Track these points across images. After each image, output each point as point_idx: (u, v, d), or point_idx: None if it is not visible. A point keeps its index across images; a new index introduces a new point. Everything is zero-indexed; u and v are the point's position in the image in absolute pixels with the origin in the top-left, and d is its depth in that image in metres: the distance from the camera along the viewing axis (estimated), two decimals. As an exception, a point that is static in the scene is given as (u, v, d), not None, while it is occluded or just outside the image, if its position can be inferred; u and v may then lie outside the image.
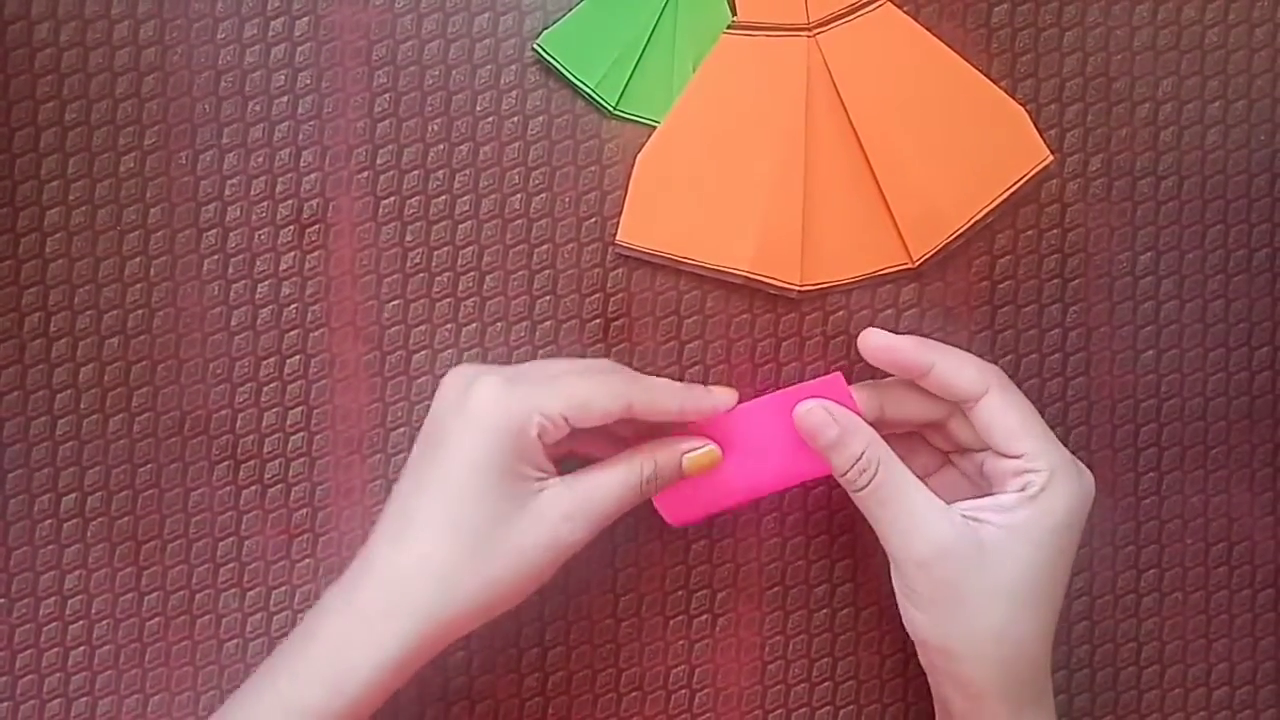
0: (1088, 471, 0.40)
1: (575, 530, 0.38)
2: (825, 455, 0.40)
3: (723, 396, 0.41)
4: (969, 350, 0.45)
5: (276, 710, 0.37)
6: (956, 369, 0.39)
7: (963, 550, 0.38)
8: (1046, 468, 0.38)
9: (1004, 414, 0.39)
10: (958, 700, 0.40)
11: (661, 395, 0.39)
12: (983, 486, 0.41)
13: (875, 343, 0.40)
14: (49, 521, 0.45)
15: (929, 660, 0.40)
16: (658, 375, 0.45)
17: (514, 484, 0.37)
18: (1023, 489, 0.38)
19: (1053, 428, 0.45)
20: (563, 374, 0.39)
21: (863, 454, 0.39)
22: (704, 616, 0.46)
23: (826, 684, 0.46)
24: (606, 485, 0.39)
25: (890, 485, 0.39)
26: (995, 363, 0.45)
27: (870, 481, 0.39)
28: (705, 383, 0.45)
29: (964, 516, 0.39)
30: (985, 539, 0.38)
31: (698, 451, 0.40)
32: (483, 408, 0.37)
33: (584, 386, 0.38)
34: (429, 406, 0.44)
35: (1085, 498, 0.39)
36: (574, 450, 0.41)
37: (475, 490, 0.37)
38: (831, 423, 0.40)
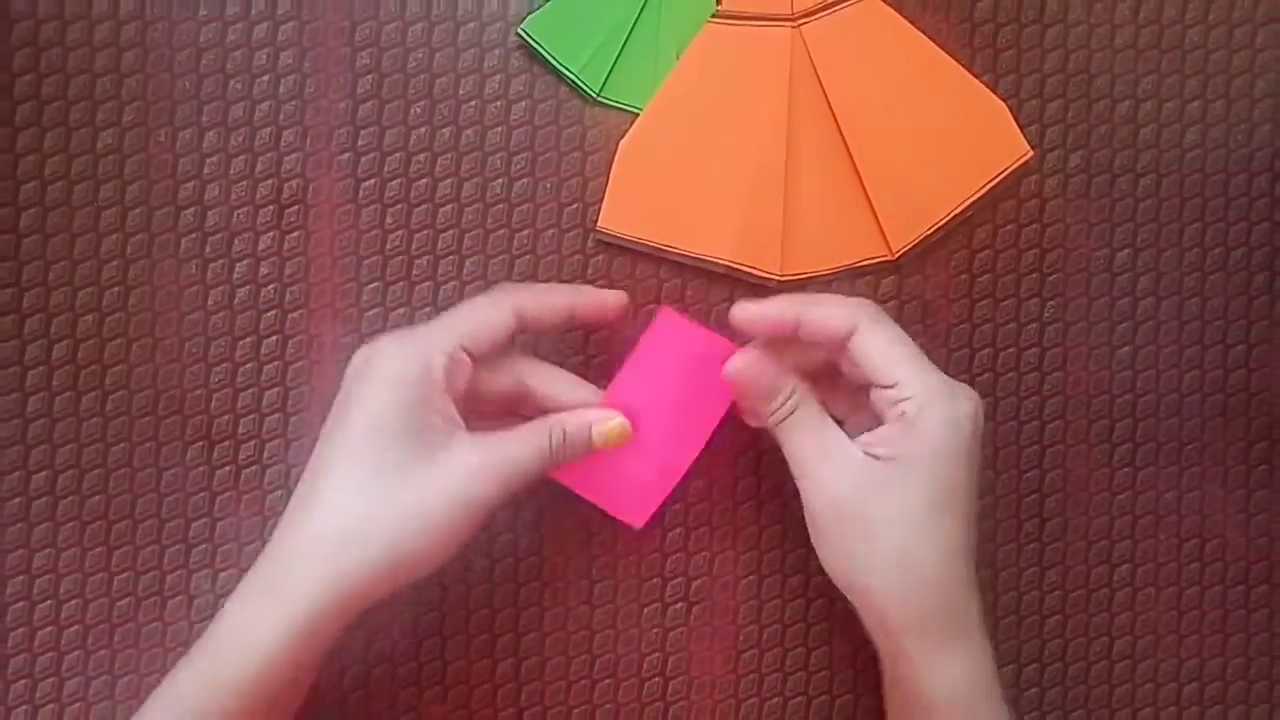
0: (967, 393, 0.39)
1: (485, 484, 0.38)
2: (755, 406, 0.40)
3: (613, 297, 0.41)
4: (946, 342, 0.46)
5: (195, 685, 0.37)
6: (823, 315, 0.39)
7: (862, 483, 0.38)
8: (917, 394, 0.38)
9: (874, 347, 0.39)
10: (880, 640, 0.40)
11: (549, 297, 0.40)
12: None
13: (745, 315, 0.40)
14: (18, 499, 0.44)
15: (852, 603, 0.40)
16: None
17: (420, 436, 0.37)
18: (901, 417, 0.38)
19: (1028, 422, 0.46)
20: (451, 312, 0.39)
21: (790, 397, 0.40)
22: (679, 604, 0.45)
23: (800, 674, 0.46)
24: (516, 444, 0.39)
25: (803, 422, 0.40)
26: (973, 355, 0.46)
27: (787, 417, 0.40)
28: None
29: (864, 452, 0.39)
30: (877, 471, 0.38)
31: (609, 424, 0.40)
32: (382, 363, 0.38)
33: (471, 312, 0.39)
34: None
35: (959, 420, 0.38)
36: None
37: (379, 446, 0.37)
38: (762, 374, 0.40)
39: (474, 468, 0.37)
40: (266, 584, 0.37)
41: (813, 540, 0.40)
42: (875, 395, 0.39)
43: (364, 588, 0.37)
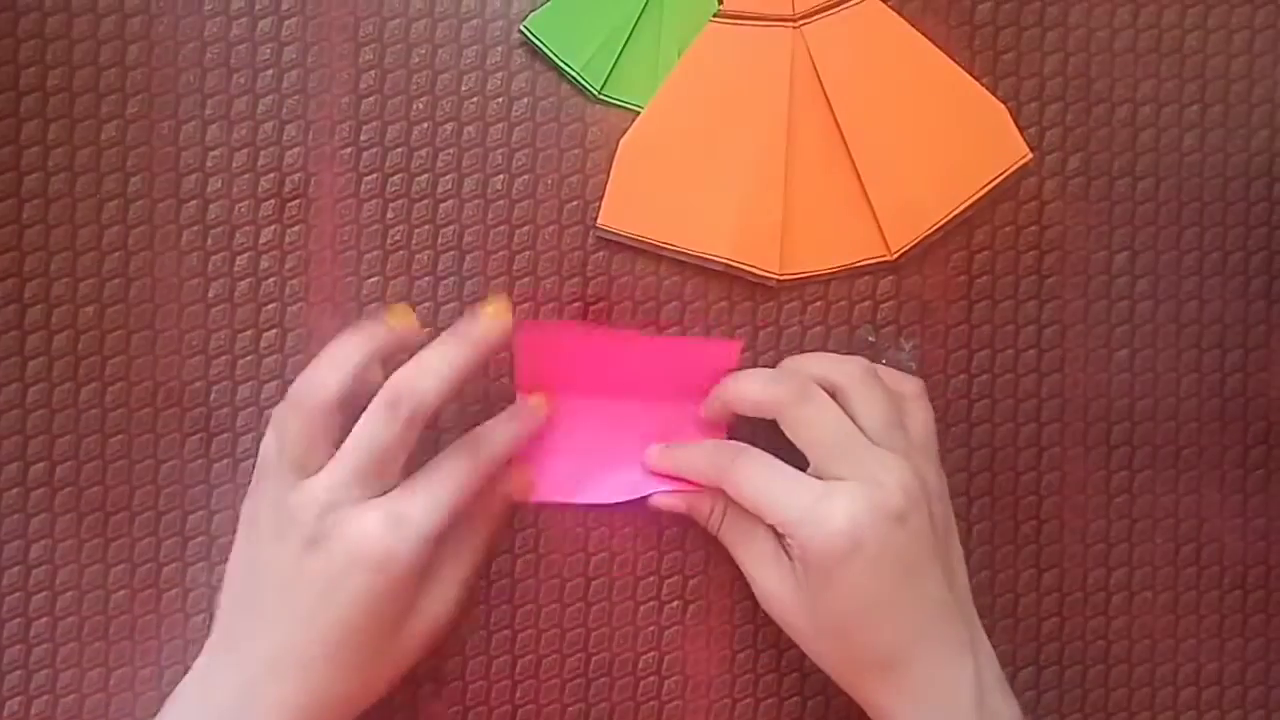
0: (842, 499, 0.38)
1: (462, 602, 0.41)
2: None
3: (539, 409, 0.44)
4: (944, 343, 0.46)
5: None
6: (695, 474, 0.43)
7: (780, 596, 0.40)
8: (789, 530, 0.39)
9: (747, 493, 0.40)
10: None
11: (501, 441, 0.42)
12: None
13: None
14: (16, 490, 0.44)
15: None
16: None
17: (401, 610, 0.39)
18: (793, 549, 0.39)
19: (1025, 424, 0.46)
20: (423, 483, 0.39)
21: (712, 513, 0.43)
22: (675, 603, 0.45)
23: (795, 674, 0.46)
24: (464, 571, 0.41)
25: (733, 528, 0.42)
26: (970, 357, 0.46)
27: (719, 527, 0.43)
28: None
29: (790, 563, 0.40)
30: (792, 586, 0.40)
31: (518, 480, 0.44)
32: (384, 564, 0.37)
33: (454, 492, 0.39)
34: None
35: (834, 537, 0.37)
36: None
37: (368, 634, 0.38)
38: (679, 504, 0.44)
39: (456, 601, 0.41)
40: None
41: None
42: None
43: None
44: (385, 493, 0.38)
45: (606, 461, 0.44)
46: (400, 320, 0.40)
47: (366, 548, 0.37)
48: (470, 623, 0.45)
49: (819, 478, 0.39)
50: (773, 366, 0.45)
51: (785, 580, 0.40)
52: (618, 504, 0.44)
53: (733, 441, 0.42)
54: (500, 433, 0.42)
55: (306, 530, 0.37)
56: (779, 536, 0.40)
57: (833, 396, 0.40)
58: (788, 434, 0.40)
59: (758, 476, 0.40)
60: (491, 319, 0.40)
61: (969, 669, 0.38)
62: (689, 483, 0.43)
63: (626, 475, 0.44)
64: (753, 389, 0.41)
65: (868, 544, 0.37)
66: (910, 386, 0.42)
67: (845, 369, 0.41)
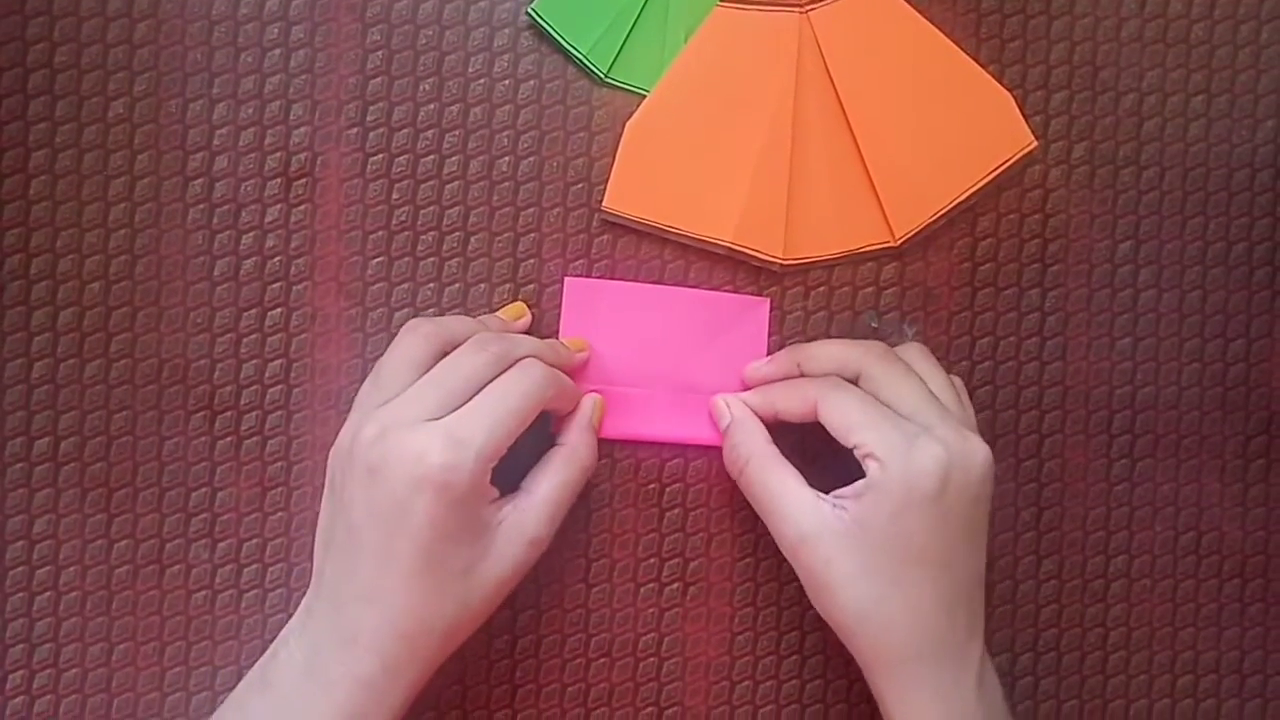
0: (932, 446, 0.38)
1: (541, 544, 0.40)
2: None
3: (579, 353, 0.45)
4: (947, 330, 0.46)
5: None
6: (785, 406, 0.43)
7: (824, 536, 0.39)
8: (879, 455, 0.39)
9: (834, 415, 0.40)
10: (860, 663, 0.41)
11: (566, 352, 0.43)
12: None
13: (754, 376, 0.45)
14: (20, 465, 0.44)
15: None
16: (638, 343, 0.45)
17: (476, 529, 0.38)
18: (865, 476, 0.39)
19: (1026, 411, 0.46)
20: (483, 399, 0.39)
21: (736, 445, 0.43)
22: (675, 585, 0.46)
23: (794, 657, 0.46)
24: (554, 491, 0.40)
25: (760, 475, 0.41)
26: (973, 344, 0.46)
27: (741, 471, 0.42)
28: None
29: (834, 504, 0.40)
30: (843, 525, 0.39)
31: (596, 406, 0.44)
32: (446, 480, 0.37)
33: (512, 403, 0.39)
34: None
35: (917, 476, 0.38)
36: None
37: (445, 554, 0.38)
38: (725, 411, 0.44)
39: (531, 539, 0.39)
40: (323, 668, 0.38)
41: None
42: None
43: (425, 674, 0.39)
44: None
45: (645, 403, 0.45)
46: (513, 314, 0.44)
47: (424, 470, 0.37)
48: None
49: None
50: (775, 350, 0.45)
51: (827, 521, 0.39)
52: (641, 440, 0.45)
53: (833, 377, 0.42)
54: (559, 357, 0.43)
55: (367, 459, 0.37)
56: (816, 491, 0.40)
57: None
58: (824, 423, 0.40)
59: (857, 404, 0.40)
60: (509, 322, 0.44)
61: (977, 651, 0.39)
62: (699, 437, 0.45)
63: (664, 417, 0.45)
64: (793, 399, 0.42)
65: (949, 492, 0.38)
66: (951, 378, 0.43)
67: (825, 383, 0.42)
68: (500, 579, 0.39)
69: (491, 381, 0.39)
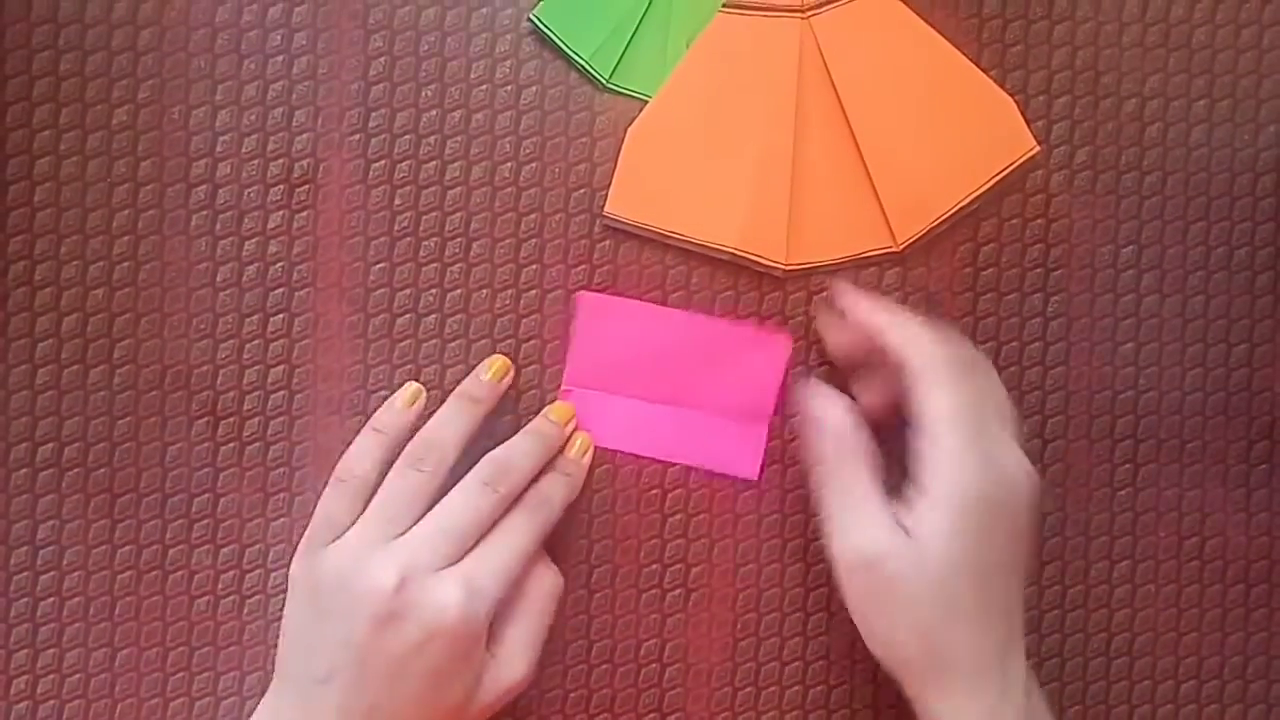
0: (997, 467, 0.38)
1: (534, 660, 0.41)
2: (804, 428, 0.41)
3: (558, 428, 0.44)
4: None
5: None
6: (898, 346, 0.40)
7: (888, 560, 0.38)
8: (938, 465, 0.38)
9: (924, 406, 0.38)
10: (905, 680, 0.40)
11: (553, 511, 0.43)
12: None
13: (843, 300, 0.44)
14: (24, 471, 0.45)
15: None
16: (640, 348, 0.45)
17: (478, 662, 0.40)
18: (920, 482, 0.38)
19: (1030, 416, 0.46)
20: (497, 544, 0.40)
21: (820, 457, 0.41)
22: (677, 591, 0.46)
23: (797, 663, 0.46)
24: (534, 636, 0.41)
25: (837, 480, 0.40)
26: (976, 348, 0.46)
27: (812, 468, 0.41)
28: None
29: (896, 523, 0.38)
30: (900, 544, 0.38)
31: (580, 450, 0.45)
32: (462, 626, 0.38)
33: (519, 548, 0.40)
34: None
35: (971, 500, 0.37)
36: None
37: (451, 697, 0.39)
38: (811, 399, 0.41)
39: (523, 663, 0.41)
40: None
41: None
42: (912, 437, 0.39)
43: None
44: (400, 535, 0.40)
45: (656, 423, 0.45)
46: (499, 373, 0.44)
47: (448, 620, 0.38)
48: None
49: None
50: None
51: (889, 531, 0.38)
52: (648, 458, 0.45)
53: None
54: (556, 492, 0.43)
55: (388, 606, 0.38)
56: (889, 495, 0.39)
57: None
58: (908, 398, 0.39)
59: (940, 408, 0.38)
60: (493, 381, 0.44)
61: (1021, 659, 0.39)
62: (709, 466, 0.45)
63: (661, 437, 0.45)
64: (904, 343, 0.40)
65: (1027, 501, 0.39)
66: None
67: (942, 359, 0.40)
68: (493, 705, 0.41)
69: (500, 521, 0.41)
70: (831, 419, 0.40)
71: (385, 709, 0.39)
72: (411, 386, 0.44)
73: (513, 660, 0.41)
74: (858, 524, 0.39)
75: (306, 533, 0.41)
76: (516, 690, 0.41)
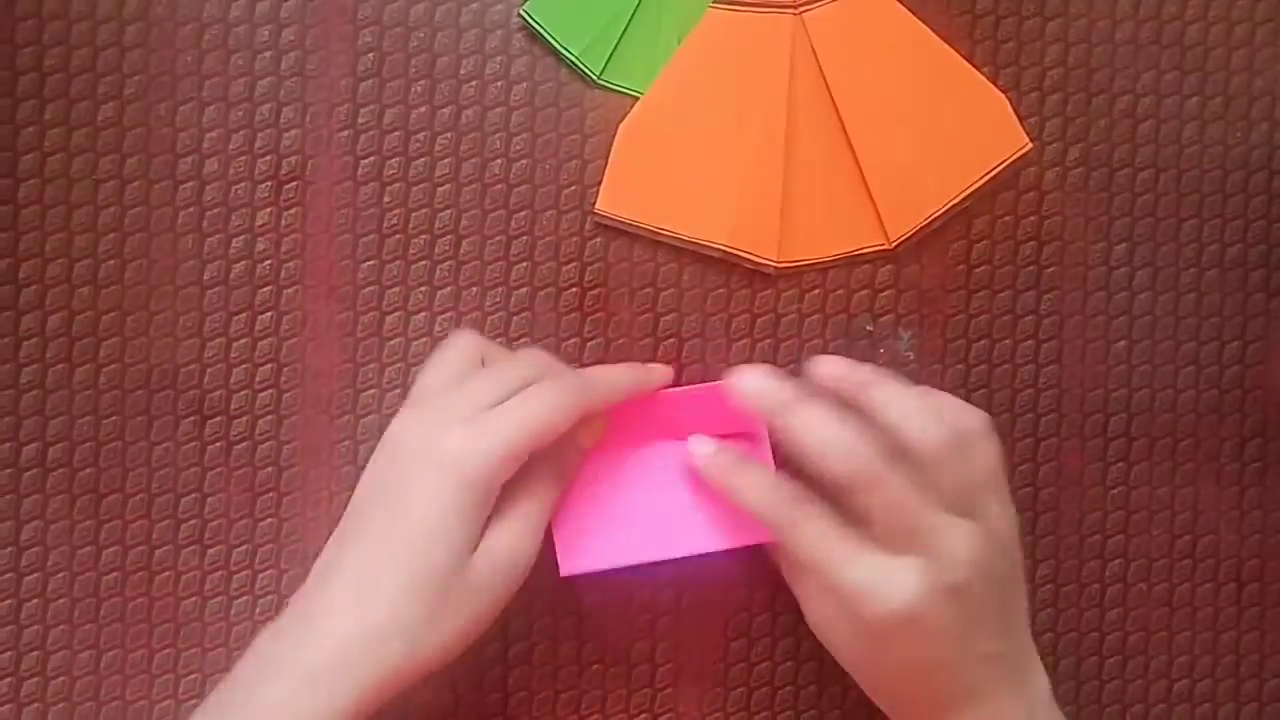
0: (914, 569, 0.37)
1: (528, 566, 0.39)
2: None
3: (659, 372, 0.43)
4: (943, 333, 0.46)
5: None
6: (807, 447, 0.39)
7: (841, 637, 0.40)
8: (852, 589, 0.38)
9: (810, 554, 0.39)
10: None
11: (608, 384, 0.41)
12: None
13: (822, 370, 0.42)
14: (8, 471, 0.44)
15: None
16: (633, 347, 0.45)
17: (473, 527, 0.37)
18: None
19: (1022, 415, 0.46)
20: (512, 402, 0.38)
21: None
22: (669, 591, 0.45)
23: (789, 663, 0.46)
24: (540, 505, 0.39)
25: (795, 571, 0.42)
26: (968, 347, 0.46)
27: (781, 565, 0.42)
28: (680, 355, 0.45)
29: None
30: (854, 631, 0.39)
31: (592, 426, 0.41)
32: (458, 463, 0.37)
33: (540, 412, 0.38)
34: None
35: (896, 609, 0.37)
36: None
37: (442, 547, 0.37)
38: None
39: (523, 556, 0.38)
40: (313, 674, 0.36)
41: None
42: None
43: (416, 676, 0.37)
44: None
45: (644, 518, 0.43)
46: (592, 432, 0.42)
47: (439, 455, 0.37)
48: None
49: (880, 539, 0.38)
50: (770, 357, 0.45)
51: (840, 627, 0.40)
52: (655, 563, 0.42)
53: (793, 485, 0.40)
54: (607, 378, 0.41)
55: (389, 449, 0.38)
56: None
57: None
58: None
59: (818, 539, 0.38)
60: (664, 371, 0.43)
61: (1021, 707, 0.39)
62: (734, 532, 0.43)
63: (665, 532, 0.43)
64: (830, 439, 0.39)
65: (926, 619, 0.37)
66: (974, 422, 0.40)
67: (923, 430, 0.39)
68: (488, 591, 0.38)
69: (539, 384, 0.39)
70: (752, 484, 0.40)
71: (379, 557, 0.37)
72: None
73: (504, 534, 0.38)
74: (816, 609, 0.41)
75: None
76: (511, 575, 0.38)
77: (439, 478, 0.37)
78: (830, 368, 0.41)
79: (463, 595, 0.37)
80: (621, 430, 0.42)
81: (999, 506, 0.39)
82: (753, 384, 0.40)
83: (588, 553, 0.42)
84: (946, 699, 0.38)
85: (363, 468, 0.40)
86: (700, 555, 0.43)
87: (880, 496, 0.37)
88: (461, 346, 0.41)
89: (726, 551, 0.43)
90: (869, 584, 0.37)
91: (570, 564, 0.42)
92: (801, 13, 0.45)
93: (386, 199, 0.45)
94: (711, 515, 0.42)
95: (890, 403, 0.39)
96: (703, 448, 0.42)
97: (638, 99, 0.45)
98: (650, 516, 0.42)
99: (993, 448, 0.40)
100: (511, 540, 0.38)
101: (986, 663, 0.38)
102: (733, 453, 0.42)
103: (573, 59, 0.45)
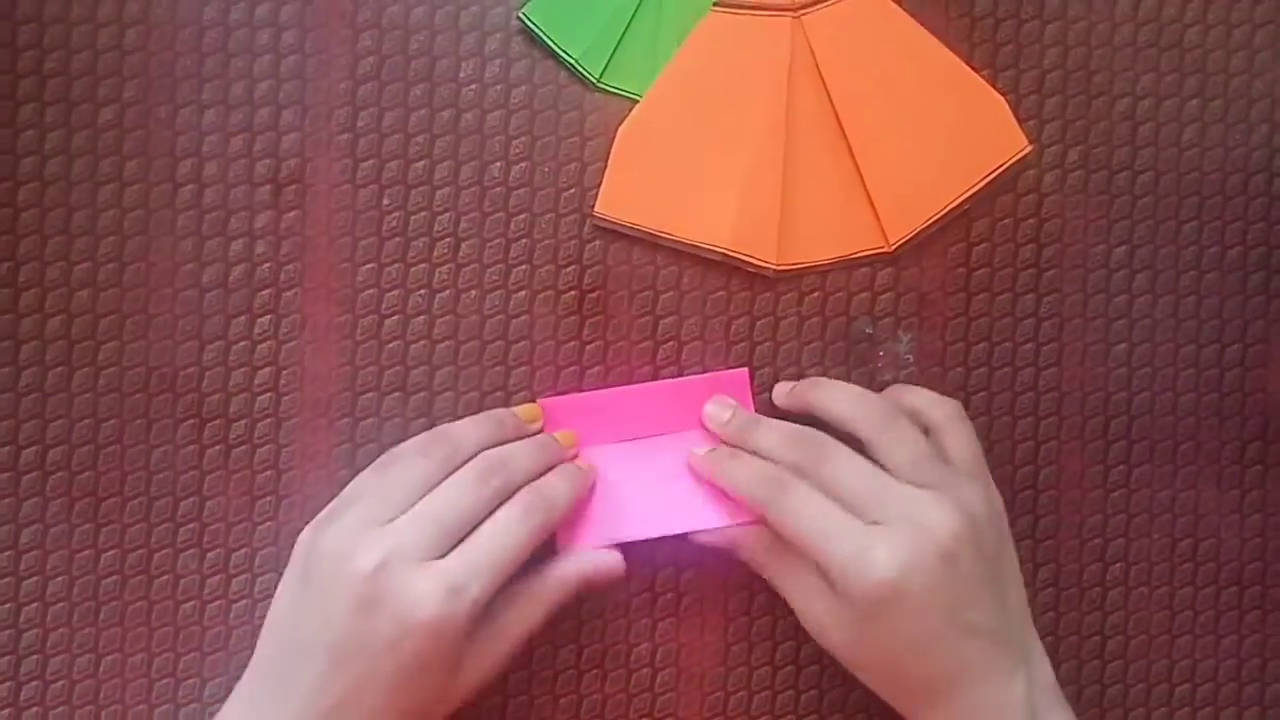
0: (888, 544, 0.37)
1: (514, 655, 0.40)
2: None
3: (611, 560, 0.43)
4: (942, 336, 0.46)
5: None
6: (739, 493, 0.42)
7: (832, 626, 0.40)
8: (831, 570, 0.38)
9: (788, 530, 0.40)
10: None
11: (554, 512, 0.41)
12: None
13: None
14: (7, 474, 0.44)
15: None
16: (632, 350, 0.45)
17: (453, 660, 0.38)
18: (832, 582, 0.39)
19: (1022, 417, 0.46)
20: (483, 540, 0.38)
21: (753, 545, 0.43)
22: (669, 595, 0.45)
23: (790, 668, 0.45)
24: (521, 630, 0.40)
25: (779, 564, 0.42)
26: (968, 349, 0.46)
27: (762, 561, 0.43)
28: (679, 358, 0.45)
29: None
30: (843, 616, 0.39)
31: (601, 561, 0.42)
32: (437, 626, 0.37)
33: (507, 548, 0.38)
34: (399, 373, 0.44)
35: (877, 584, 0.37)
36: None
37: (420, 683, 0.37)
38: (719, 539, 0.43)
39: (501, 658, 0.39)
40: None
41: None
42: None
43: None
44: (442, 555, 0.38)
45: (636, 500, 0.43)
46: (528, 415, 0.43)
47: (421, 617, 0.36)
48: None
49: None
50: (771, 360, 0.45)
51: (831, 613, 0.40)
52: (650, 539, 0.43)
53: (779, 467, 0.41)
54: (559, 492, 0.41)
55: (363, 590, 0.37)
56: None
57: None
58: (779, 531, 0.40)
59: (805, 512, 0.39)
60: (522, 419, 0.43)
61: (1019, 690, 0.38)
62: (724, 512, 0.43)
63: (657, 511, 0.43)
64: (742, 488, 0.41)
65: (913, 589, 0.37)
66: (947, 409, 0.42)
67: (866, 415, 0.41)
68: (456, 702, 0.39)
69: (492, 515, 0.39)
70: (739, 467, 0.42)
71: (351, 709, 0.37)
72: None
73: (487, 652, 0.39)
74: (805, 602, 0.41)
75: (327, 507, 0.40)
76: (490, 679, 0.39)
77: (421, 641, 0.37)
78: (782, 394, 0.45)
79: (445, 700, 0.39)
80: (614, 423, 0.44)
81: (981, 486, 0.40)
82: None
83: (584, 533, 0.43)
84: (944, 680, 0.38)
85: (362, 469, 0.40)
86: (699, 557, 0.44)
87: (850, 476, 0.39)
88: (437, 458, 0.40)
89: (726, 554, 0.43)
90: (856, 553, 0.37)
91: (567, 539, 0.43)
92: (801, 15, 0.45)
93: (386, 202, 0.45)
94: (705, 497, 0.43)
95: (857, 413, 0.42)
96: (697, 449, 0.44)
97: (637, 102, 0.45)
98: (645, 499, 0.43)
99: (967, 430, 0.42)
100: (492, 659, 0.39)
101: (979, 638, 0.38)
102: (724, 450, 0.43)
103: (572, 62, 0.45)
